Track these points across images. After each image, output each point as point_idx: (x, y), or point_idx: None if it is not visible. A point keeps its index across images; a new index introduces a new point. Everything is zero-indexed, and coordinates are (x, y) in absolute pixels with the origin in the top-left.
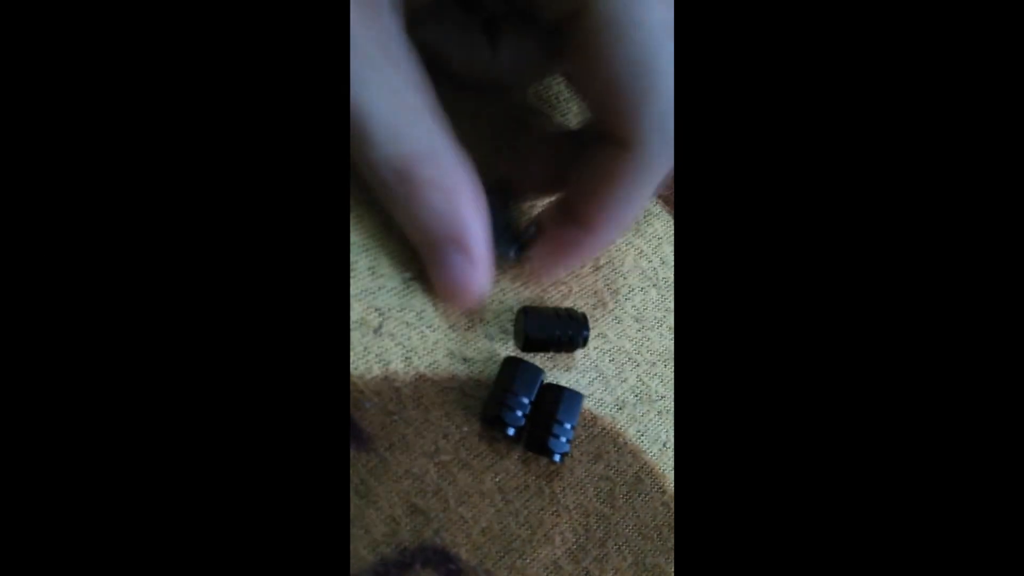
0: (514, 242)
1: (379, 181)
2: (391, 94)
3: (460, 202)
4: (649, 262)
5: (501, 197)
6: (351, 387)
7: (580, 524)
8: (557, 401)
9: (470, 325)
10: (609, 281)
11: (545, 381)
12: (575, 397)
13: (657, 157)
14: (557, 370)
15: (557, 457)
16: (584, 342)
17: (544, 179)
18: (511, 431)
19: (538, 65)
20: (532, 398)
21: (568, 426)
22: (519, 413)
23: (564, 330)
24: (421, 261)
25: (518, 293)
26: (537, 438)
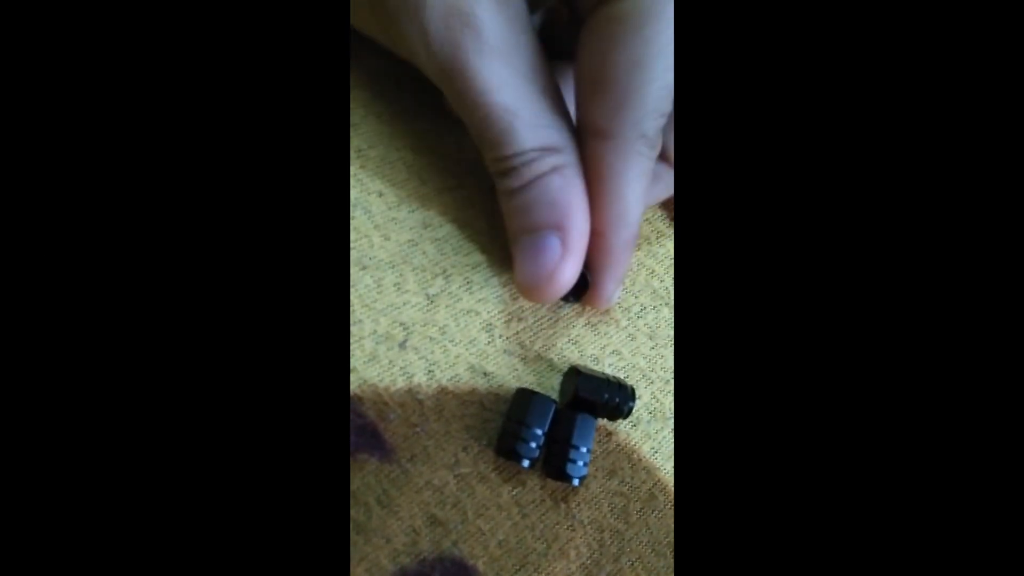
0: (575, 290)
1: (508, 169)
2: (539, 98)
3: (574, 192)
4: (661, 282)
5: None
6: (377, 399)
7: (595, 539)
8: (571, 427)
9: (490, 341)
10: (622, 300)
11: (577, 418)
12: (588, 421)
13: (634, 146)
14: None
15: (576, 482)
16: (629, 412)
17: None
18: (526, 463)
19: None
20: (545, 429)
21: (584, 450)
22: (533, 445)
23: (612, 397)
24: (506, 252)
25: (536, 311)
26: (555, 464)
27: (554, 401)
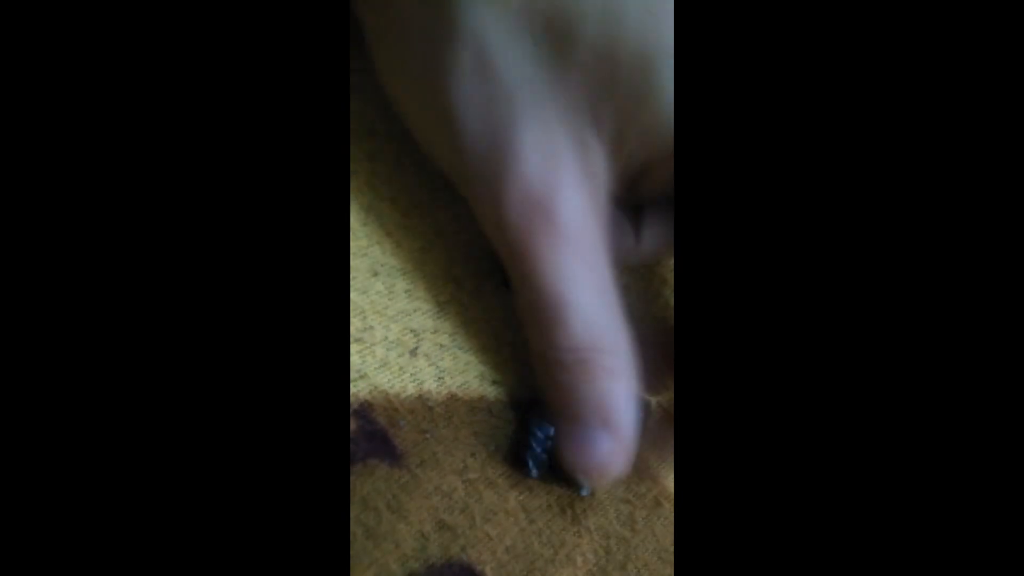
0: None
1: (555, 361)
2: (596, 293)
3: (623, 392)
4: (672, 291)
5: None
6: (388, 405)
7: (601, 546)
8: None
9: (499, 348)
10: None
11: None
12: None
13: None
14: None
15: (584, 490)
16: None
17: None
18: (534, 472)
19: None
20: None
21: None
22: (540, 451)
23: None
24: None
25: None
26: (563, 472)
27: None
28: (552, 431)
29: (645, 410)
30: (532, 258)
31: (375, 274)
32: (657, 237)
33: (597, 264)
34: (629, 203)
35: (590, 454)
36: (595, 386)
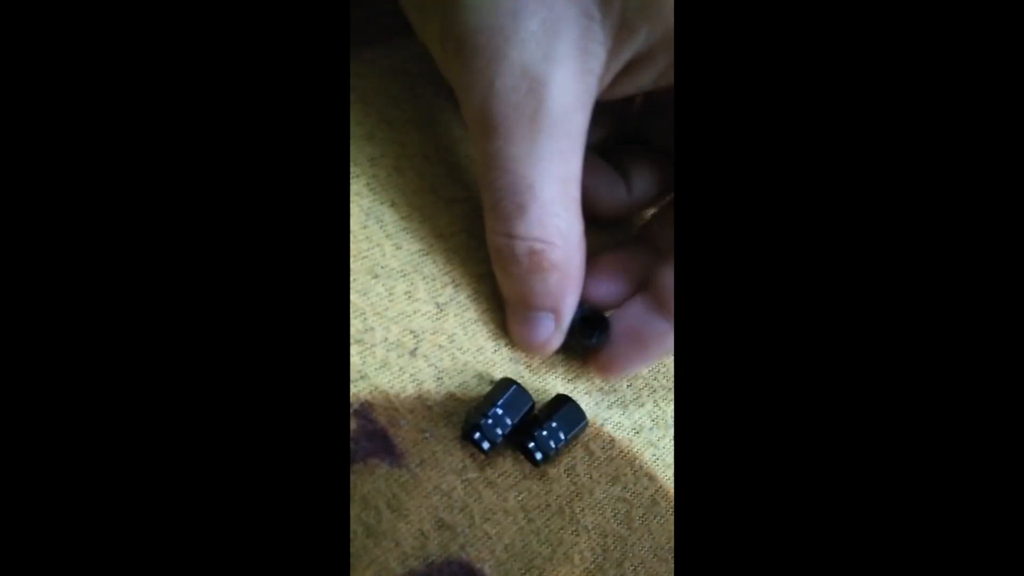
0: (591, 333)
1: (509, 250)
2: (561, 184)
3: (570, 286)
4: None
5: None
6: (388, 405)
7: (599, 544)
8: (556, 409)
9: (497, 349)
10: None
11: (565, 403)
12: (574, 409)
13: None
14: (577, 392)
15: (538, 455)
16: (597, 343)
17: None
18: (486, 445)
19: (662, 188)
20: (515, 420)
21: (561, 435)
22: (493, 424)
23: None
24: (505, 311)
25: None
26: (522, 439)
27: (532, 398)
28: (517, 417)
29: (604, 327)
30: (509, 140)
31: (375, 276)
32: (647, 188)
33: (570, 158)
34: (621, 94)
35: (534, 334)
36: (544, 279)
